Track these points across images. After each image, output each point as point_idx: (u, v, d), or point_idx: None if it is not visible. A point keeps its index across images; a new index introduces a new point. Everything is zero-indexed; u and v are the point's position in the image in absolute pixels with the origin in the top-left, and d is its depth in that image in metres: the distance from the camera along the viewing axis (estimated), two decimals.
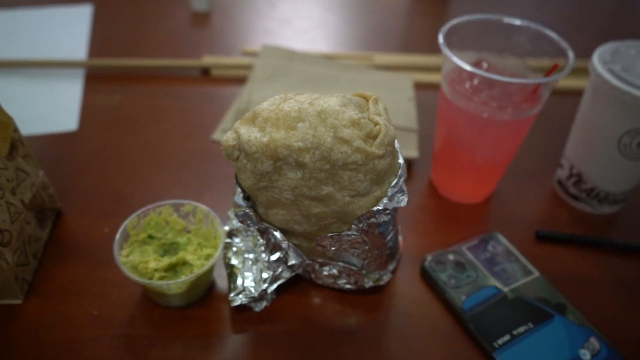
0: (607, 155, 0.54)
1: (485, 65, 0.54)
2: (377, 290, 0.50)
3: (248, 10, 0.95)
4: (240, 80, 0.76)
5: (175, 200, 0.49)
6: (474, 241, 0.54)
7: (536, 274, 0.51)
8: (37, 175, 0.51)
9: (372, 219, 0.41)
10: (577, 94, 0.78)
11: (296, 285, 0.50)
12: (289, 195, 0.40)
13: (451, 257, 0.52)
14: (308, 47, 0.85)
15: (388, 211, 0.40)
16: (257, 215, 0.44)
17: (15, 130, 0.48)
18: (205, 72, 0.78)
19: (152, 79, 0.76)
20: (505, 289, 0.49)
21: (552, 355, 0.44)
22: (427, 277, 0.51)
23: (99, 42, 0.83)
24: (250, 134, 0.39)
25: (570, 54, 0.50)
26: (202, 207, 0.49)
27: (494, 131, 0.52)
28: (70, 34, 0.84)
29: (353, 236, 0.42)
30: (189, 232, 0.50)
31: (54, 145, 0.64)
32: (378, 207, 0.39)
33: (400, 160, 0.41)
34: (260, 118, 0.39)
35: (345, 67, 0.74)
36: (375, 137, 0.38)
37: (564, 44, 0.51)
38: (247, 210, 0.43)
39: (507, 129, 0.52)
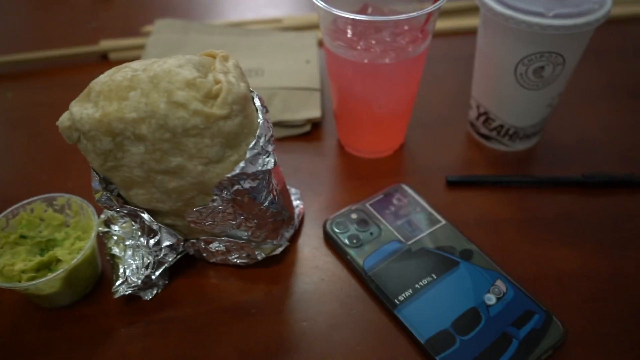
0: (507, 88, 0.51)
1: (370, 9, 0.51)
2: (277, 260, 0.47)
3: None
4: None
5: (47, 195, 0.46)
6: (379, 196, 0.51)
7: (443, 222, 0.48)
8: None
9: (237, 187, 0.37)
10: None
11: (191, 267, 0.47)
12: (139, 172, 0.37)
13: (354, 215, 0.49)
14: (216, 20, 0.80)
15: (252, 175, 0.37)
16: (120, 199, 0.40)
17: None
18: (105, 57, 0.74)
19: (47, 72, 0.72)
20: (409, 242, 0.47)
21: (456, 304, 0.42)
22: (329, 240, 0.48)
23: None
24: (82, 111, 0.35)
25: None
26: (76, 198, 0.45)
27: (382, 77, 0.49)
28: None
29: (221, 207, 0.39)
30: (68, 226, 0.46)
31: None
32: (234, 172, 0.36)
33: (260, 119, 0.38)
34: (94, 92, 0.36)
35: (245, 32, 0.70)
36: (216, 97, 0.34)
37: None
38: (107, 194, 0.39)
39: (394, 72, 0.48)
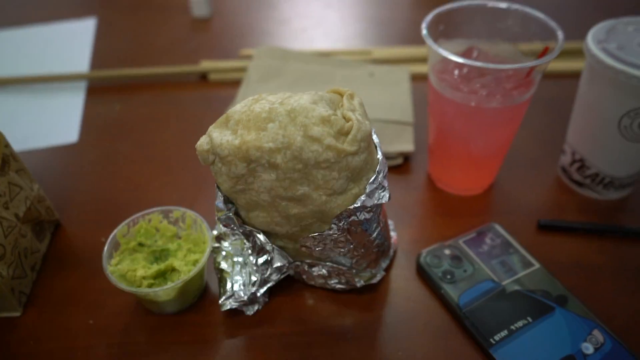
0: (609, 138, 0.51)
1: (475, 53, 0.52)
2: (371, 288, 0.49)
3: (248, 12, 0.95)
4: (238, 83, 0.76)
5: (164, 207, 0.49)
6: (472, 234, 0.52)
7: (536, 265, 0.49)
8: (32, 189, 0.52)
9: (353, 217, 0.40)
10: (577, 76, 0.75)
11: (289, 287, 0.50)
12: (266, 197, 0.40)
13: (447, 251, 0.51)
14: (307, 46, 0.84)
15: (368, 208, 0.40)
16: (240, 219, 0.43)
17: (7, 145, 0.49)
18: (204, 77, 0.78)
19: (151, 87, 0.77)
20: (504, 283, 0.48)
21: (552, 349, 0.43)
22: (422, 273, 0.50)
23: (101, 54, 0.85)
24: (222, 137, 0.38)
25: (560, 34, 0.48)
26: (190, 212, 0.49)
27: (484, 120, 0.50)
28: (74, 47, 0.86)
29: (335, 235, 0.41)
30: (179, 238, 0.50)
31: (54, 158, 0.65)
32: (355, 205, 0.39)
33: (379, 156, 0.40)
34: (232, 120, 0.39)
35: (340, 63, 0.73)
36: (347, 134, 0.37)
37: (552, 24, 0.49)
38: (229, 214, 0.42)
39: (498, 116, 0.50)
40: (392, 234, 0.52)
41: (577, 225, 0.53)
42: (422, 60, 0.78)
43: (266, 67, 0.71)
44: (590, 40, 0.50)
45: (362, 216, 0.40)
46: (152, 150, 0.66)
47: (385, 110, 0.64)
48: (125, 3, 0.99)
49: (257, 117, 0.38)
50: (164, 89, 0.76)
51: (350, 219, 0.40)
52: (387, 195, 0.40)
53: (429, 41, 0.48)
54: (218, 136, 0.39)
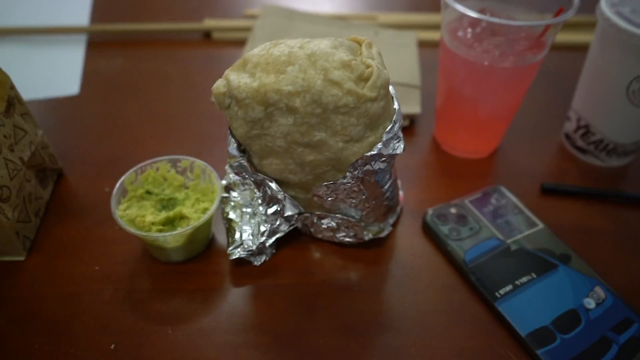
0: (616, 104, 0.52)
1: (488, 14, 0.52)
2: (377, 243, 0.49)
3: None
4: (242, 43, 0.75)
5: (173, 156, 0.49)
6: (477, 194, 0.53)
7: (541, 225, 0.50)
8: (36, 134, 0.51)
9: (367, 166, 0.40)
10: (583, 48, 0.75)
11: (296, 239, 0.50)
12: (281, 142, 0.40)
13: (453, 210, 0.51)
14: (311, 8, 0.83)
15: (383, 158, 0.40)
16: (252, 166, 0.43)
17: (12, 87, 0.48)
18: (207, 35, 0.77)
19: (154, 43, 0.75)
20: (508, 241, 0.48)
21: (555, 303, 0.44)
22: (428, 231, 0.50)
23: (101, 8, 0.83)
24: (240, 79, 0.38)
25: None
26: (199, 162, 0.48)
27: (495, 80, 0.50)
28: (73, 0, 0.84)
29: (349, 184, 0.41)
30: (187, 188, 0.49)
31: (55, 109, 0.64)
32: (372, 153, 0.39)
33: (396, 106, 0.40)
34: (250, 64, 0.38)
35: (347, 25, 0.73)
36: (367, 80, 0.37)
37: None
38: (242, 161, 0.42)
39: (509, 77, 0.50)
40: (400, 192, 0.53)
41: (579, 190, 0.54)
42: (427, 27, 0.78)
43: (273, 26, 0.71)
44: (604, 3, 0.50)
45: (377, 166, 0.40)
46: (156, 105, 0.65)
47: (392, 72, 0.63)
48: None
49: (276, 60, 0.37)
50: (167, 46, 0.75)
51: (365, 168, 0.40)
52: (402, 146, 0.40)
53: None
54: (235, 79, 0.38)
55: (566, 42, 0.75)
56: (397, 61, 0.66)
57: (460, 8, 0.46)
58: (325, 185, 0.42)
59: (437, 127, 0.60)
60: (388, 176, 0.43)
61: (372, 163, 0.40)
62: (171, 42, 0.76)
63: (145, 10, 0.82)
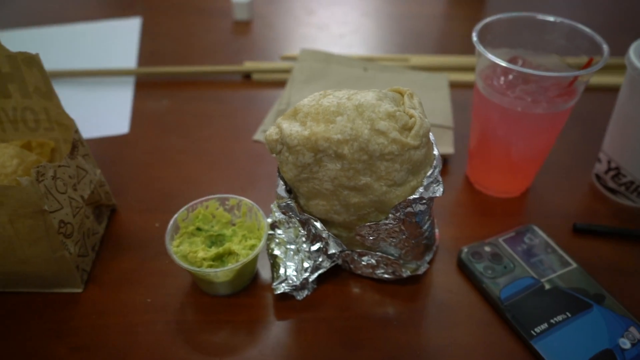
0: None
1: (520, 62, 0.55)
2: (414, 280, 0.52)
3: (287, 17, 0.99)
4: (280, 84, 0.79)
5: (221, 195, 0.52)
6: (511, 233, 0.54)
7: (574, 265, 0.51)
8: (95, 174, 0.55)
9: (409, 208, 0.42)
10: (613, 90, 0.77)
11: (336, 275, 0.52)
12: (328, 185, 0.42)
13: (487, 248, 0.53)
14: (345, 51, 0.87)
15: (424, 200, 0.42)
16: (299, 206, 0.46)
17: (76, 131, 0.52)
18: (247, 77, 0.81)
19: (197, 84, 0.80)
20: (542, 280, 0.50)
21: (591, 343, 0.45)
22: (463, 268, 0.52)
23: (147, 51, 0.88)
24: (292, 128, 0.41)
25: (605, 47, 0.50)
26: (246, 200, 0.51)
27: (528, 125, 0.53)
28: (121, 44, 0.90)
29: (390, 225, 0.44)
30: (234, 225, 0.52)
31: (108, 147, 0.68)
32: (414, 196, 0.41)
33: (435, 152, 0.43)
34: (301, 113, 0.42)
35: (382, 68, 0.76)
36: (410, 129, 0.40)
37: (598, 38, 0.52)
38: (289, 202, 0.45)
39: (541, 122, 0.52)
40: (435, 230, 0.55)
41: (611, 230, 0.56)
42: (458, 69, 0.81)
43: (311, 69, 0.74)
44: (633, 52, 0.53)
45: (418, 208, 0.43)
46: (200, 144, 0.69)
47: (427, 114, 0.67)
48: (168, 4, 1.02)
49: (325, 110, 0.41)
50: (209, 87, 0.79)
51: (406, 210, 0.42)
52: (441, 189, 0.43)
53: (480, 47, 0.51)
54: (287, 127, 0.41)
55: (597, 84, 0.77)
56: (430, 103, 0.69)
57: (493, 58, 0.49)
58: (368, 225, 0.44)
59: (470, 167, 0.62)
60: (427, 217, 0.45)
61: (414, 205, 0.42)
62: (213, 84, 0.80)
63: (188, 54, 0.87)
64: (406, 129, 0.40)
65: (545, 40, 0.55)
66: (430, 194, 0.42)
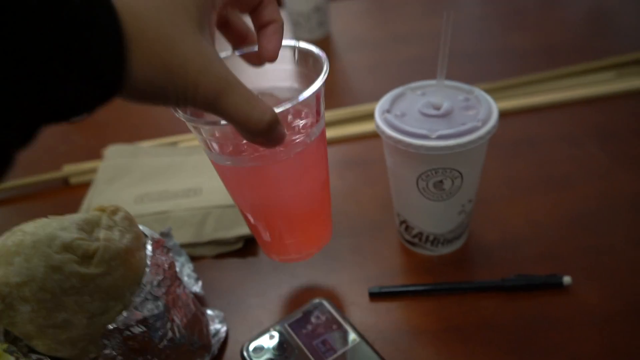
0: (414, 199, 0.53)
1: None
2: None
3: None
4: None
5: None
6: (297, 314, 0.52)
7: (357, 340, 0.49)
8: None
9: (126, 333, 0.39)
10: None
11: None
12: (31, 327, 0.39)
13: (272, 338, 0.50)
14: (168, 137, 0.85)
15: (141, 321, 0.39)
16: (27, 346, 0.43)
17: None
18: (67, 182, 0.78)
19: (13, 200, 0.76)
20: None
21: None
22: None
23: None
24: None
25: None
26: None
27: (250, 180, 0.45)
28: None
29: (114, 354, 0.40)
30: None
31: None
32: (114, 325, 0.38)
33: (147, 267, 0.40)
34: None
35: (191, 151, 0.75)
36: (92, 256, 0.37)
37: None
38: (10, 346, 0.42)
39: (284, 171, 0.45)
40: (218, 326, 0.52)
41: (404, 290, 0.54)
42: None
43: (115, 167, 0.72)
44: (377, 111, 0.52)
45: (137, 330, 0.40)
46: None
47: (226, 195, 0.65)
48: None
49: (7, 251, 0.38)
50: (28, 200, 0.76)
51: (122, 336, 0.39)
52: (162, 305, 0.40)
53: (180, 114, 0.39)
54: None
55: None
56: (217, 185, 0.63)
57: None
58: (93, 359, 0.41)
59: (259, 242, 0.56)
60: (161, 333, 0.42)
61: (131, 329, 0.39)
62: (31, 196, 0.76)
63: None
64: (88, 256, 0.37)
65: None
66: (147, 313, 0.39)
